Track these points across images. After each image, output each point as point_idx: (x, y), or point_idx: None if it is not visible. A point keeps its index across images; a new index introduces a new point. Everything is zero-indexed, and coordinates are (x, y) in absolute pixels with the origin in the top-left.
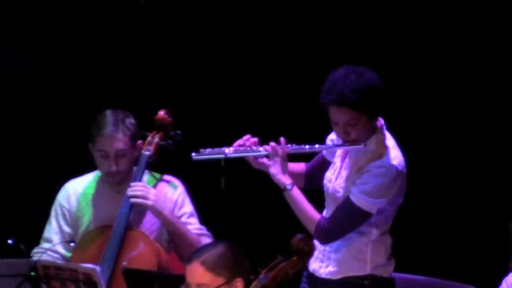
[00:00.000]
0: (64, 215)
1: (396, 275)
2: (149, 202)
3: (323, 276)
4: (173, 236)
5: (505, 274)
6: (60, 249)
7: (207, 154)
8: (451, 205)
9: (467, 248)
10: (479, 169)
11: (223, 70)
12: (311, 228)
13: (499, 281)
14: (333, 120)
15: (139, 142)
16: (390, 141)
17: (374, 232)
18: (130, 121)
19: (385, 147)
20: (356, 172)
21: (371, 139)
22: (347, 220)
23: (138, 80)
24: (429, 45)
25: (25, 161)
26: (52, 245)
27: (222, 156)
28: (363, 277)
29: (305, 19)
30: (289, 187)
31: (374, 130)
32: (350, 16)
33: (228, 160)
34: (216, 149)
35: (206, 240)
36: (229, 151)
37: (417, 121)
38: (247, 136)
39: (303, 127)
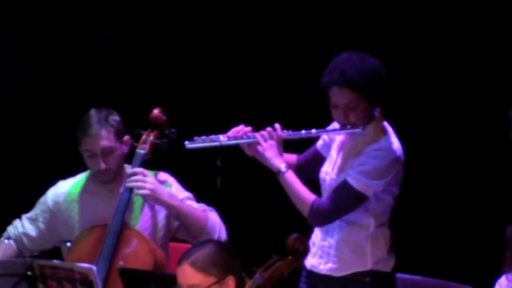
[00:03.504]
0: (44, 213)
1: (395, 275)
2: (146, 191)
3: (323, 272)
4: (179, 219)
5: (500, 275)
6: (26, 240)
7: (201, 142)
8: (449, 206)
9: (465, 249)
10: (478, 169)
11: (218, 68)
12: (305, 211)
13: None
14: (333, 102)
15: (126, 137)
16: (389, 129)
17: (372, 223)
18: (114, 118)
19: (383, 133)
20: (354, 157)
21: (370, 125)
22: (342, 202)
23: (133, 78)
24: (426, 44)
25: (21, 161)
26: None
27: (217, 144)
28: (364, 273)
29: (299, 14)
30: (283, 169)
31: (373, 119)
32: (348, 13)
33: (223, 155)
34: (210, 137)
35: (212, 214)
36: (223, 138)
37: (419, 119)
38: (241, 126)
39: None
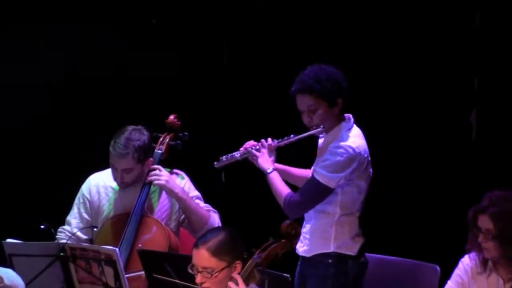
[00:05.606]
0: (84, 204)
1: (369, 255)
2: (162, 182)
3: (301, 253)
4: (185, 211)
5: (464, 255)
6: (79, 233)
7: (225, 160)
8: (420, 197)
9: (433, 231)
10: (444, 164)
11: (224, 79)
12: (281, 203)
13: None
14: (298, 108)
15: (150, 160)
16: (355, 131)
17: (338, 212)
18: (141, 143)
19: (346, 133)
20: (322, 155)
21: (337, 127)
22: (309, 194)
23: (152, 87)
24: (426, 44)
25: (55, 155)
26: (75, 231)
27: (235, 159)
28: (328, 254)
29: (300, 16)
30: (268, 171)
31: (341, 121)
32: (348, 13)
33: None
34: (229, 156)
35: (214, 215)
36: (238, 155)
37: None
38: (250, 142)
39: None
